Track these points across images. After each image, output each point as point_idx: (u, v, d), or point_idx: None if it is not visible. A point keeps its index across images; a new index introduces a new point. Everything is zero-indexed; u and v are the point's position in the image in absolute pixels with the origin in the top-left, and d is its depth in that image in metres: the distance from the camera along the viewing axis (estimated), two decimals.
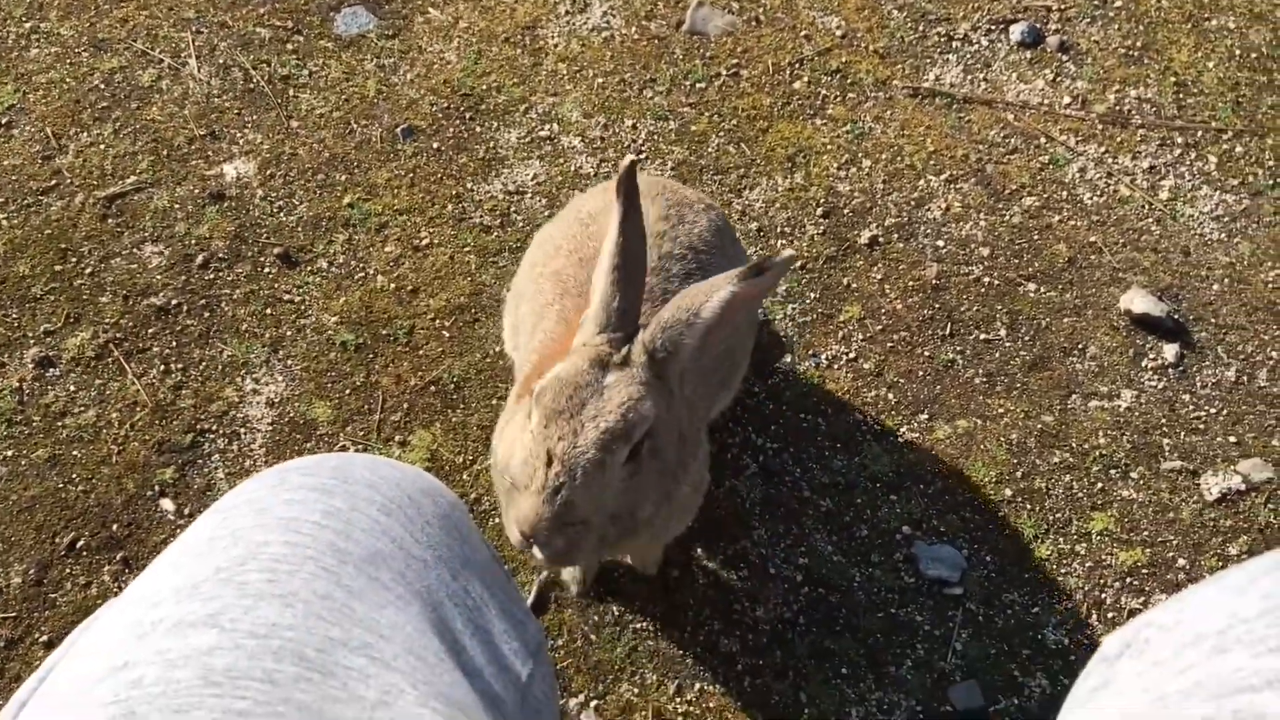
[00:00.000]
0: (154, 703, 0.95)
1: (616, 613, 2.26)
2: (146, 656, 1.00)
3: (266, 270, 2.63)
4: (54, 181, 2.74)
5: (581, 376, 1.53)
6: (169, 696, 0.95)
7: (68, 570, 2.28)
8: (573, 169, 2.80)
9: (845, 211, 2.74)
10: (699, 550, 2.32)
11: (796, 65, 2.98)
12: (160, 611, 1.06)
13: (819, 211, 2.73)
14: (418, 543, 1.29)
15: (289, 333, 2.55)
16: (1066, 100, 2.92)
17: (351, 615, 1.12)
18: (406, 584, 1.22)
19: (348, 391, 2.48)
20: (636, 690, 2.18)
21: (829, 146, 2.83)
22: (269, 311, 2.57)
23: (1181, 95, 2.91)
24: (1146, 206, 2.74)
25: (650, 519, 1.63)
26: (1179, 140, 2.84)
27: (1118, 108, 2.90)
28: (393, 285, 2.62)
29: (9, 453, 2.39)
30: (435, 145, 2.83)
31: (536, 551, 1.52)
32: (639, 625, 2.25)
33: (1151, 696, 0.95)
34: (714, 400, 2.11)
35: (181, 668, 0.99)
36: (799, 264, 2.64)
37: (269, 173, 2.77)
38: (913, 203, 2.75)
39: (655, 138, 2.85)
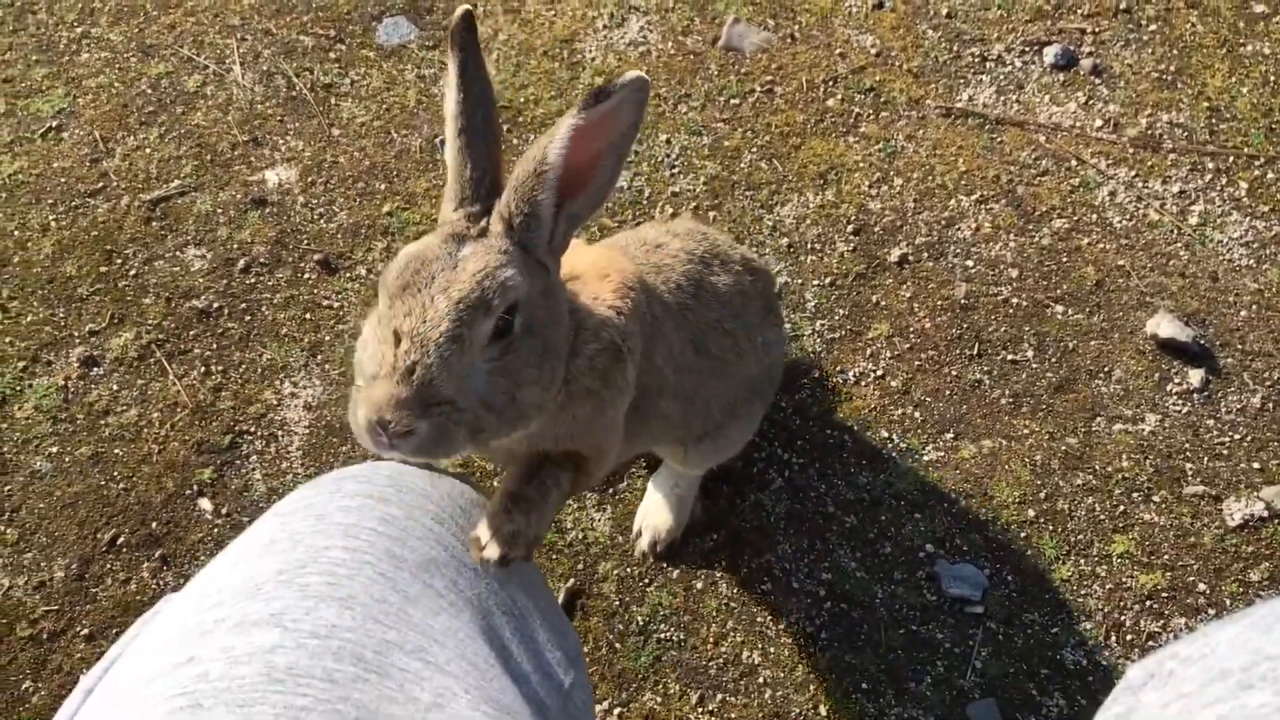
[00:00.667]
0: (219, 697, 1.00)
1: (641, 622, 2.30)
2: (211, 653, 1.06)
3: (306, 276, 2.69)
4: (101, 184, 2.81)
5: (431, 251, 1.36)
6: (233, 691, 1.00)
7: (108, 566, 2.34)
8: None
9: (876, 229, 2.77)
10: (723, 562, 2.36)
11: (830, 83, 3.01)
12: (223, 610, 1.12)
13: (850, 228, 2.76)
14: (468, 552, 1.34)
15: (328, 338, 2.60)
16: (1098, 123, 2.94)
17: (407, 620, 1.17)
18: (458, 591, 1.26)
19: None
20: (659, 699, 2.23)
21: (861, 164, 2.87)
22: (308, 316, 2.63)
23: (1214, 121, 2.92)
24: (1176, 231, 2.76)
25: (539, 404, 1.46)
26: (1210, 166, 2.85)
27: (1149, 132, 2.92)
28: None
29: (54, 449, 2.45)
30: None
31: (393, 447, 1.30)
32: (663, 635, 2.29)
33: None
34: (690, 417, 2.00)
35: (245, 664, 1.04)
36: (829, 280, 2.68)
37: (310, 180, 2.83)
38: (943, 222, 2.78)
39: (689, 152, 2.89)
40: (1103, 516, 2.41)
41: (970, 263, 2.72)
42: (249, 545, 1.26)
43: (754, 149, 2.89)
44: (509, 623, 1.33)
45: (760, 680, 2.25)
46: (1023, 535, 2.39)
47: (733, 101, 2.97)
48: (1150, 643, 2.27)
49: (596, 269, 1.71)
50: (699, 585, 2.34)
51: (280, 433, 2.49)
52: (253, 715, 0.99)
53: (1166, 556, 2.36)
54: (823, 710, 2.22)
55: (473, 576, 1.32)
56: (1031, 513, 2.41)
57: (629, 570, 2.35)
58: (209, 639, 1.08)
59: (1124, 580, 2.35)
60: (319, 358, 2.58)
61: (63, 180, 2.81)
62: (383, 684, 1.08)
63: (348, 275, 2.69)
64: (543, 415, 1.49)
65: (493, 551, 1.39)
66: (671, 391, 1.84)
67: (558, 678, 1.37)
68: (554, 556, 2.37)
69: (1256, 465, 2.45)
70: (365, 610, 1.15)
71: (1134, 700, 1.13)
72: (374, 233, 2.75)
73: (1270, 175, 2.83)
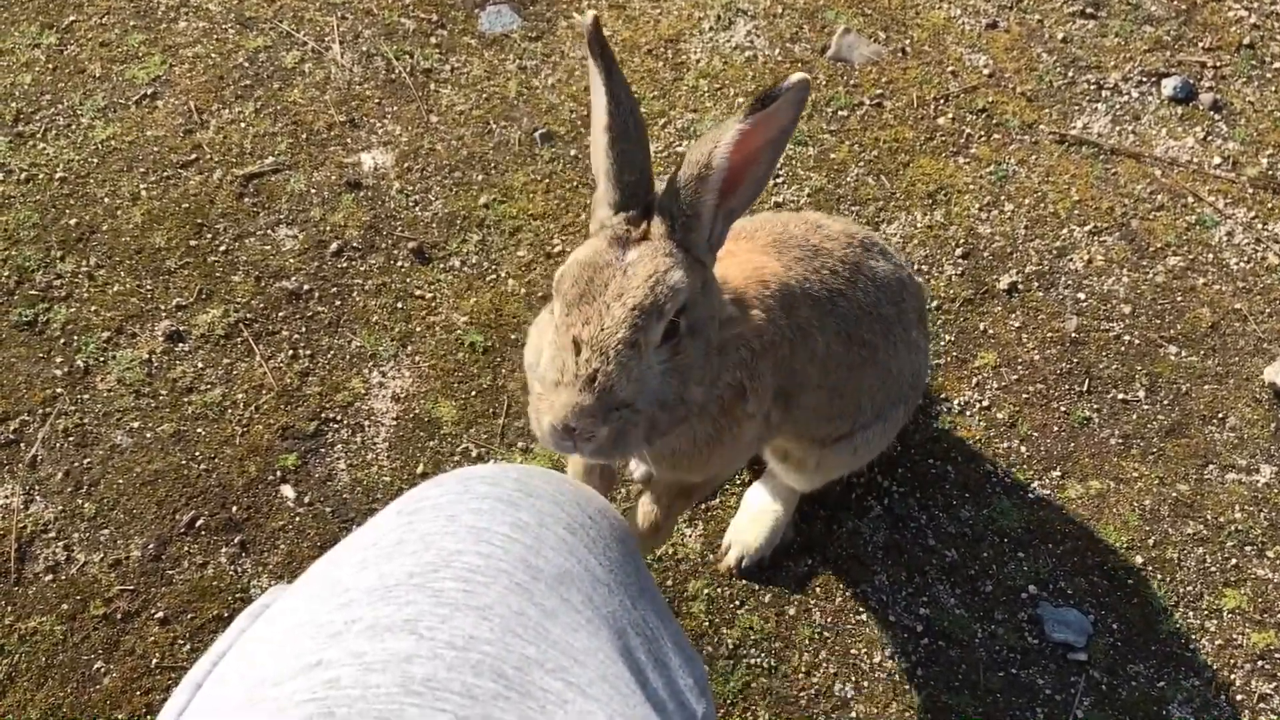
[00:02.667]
0: (353, 705, 0.93)
1: (731, 645, 2.22)
2: (342, 657, 0.99)
3: (399, 264, 2.62)
4: (194, 156, 2.75)
5: (601, 257, 1.41)
6: (368, 701, 0.93)
7: (185, 548, 2.28)
8: None
9: (985, 254, 2.68)
10: (817, 589, 2.28)
11: (941, 101, 2.92)
12: (354, 611, 1.04)
13: (958, 252, 2.68)
14: (600, 565, 1.27)
15: (418, 328, 2.53)
16: (1217, 160, 2.84)
17: (546, 636, 1.09)
18: (594, 608, 1.19)
19: (473, 393, 2.46)
20: None
21: (971, 186, 2.78)
22: (400, 305, 2.56)
23: None
24: None
25: (705, 401, 1.54)
26: None
27: (1270, 172, 2.82)
28: (523, 290, 2.60)
29: (135, 424, 2.39)
30: (572, 153, 2.81)
31: (577, 450, 1.40)
32: (753, 660, 2.21)
33: None
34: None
35: (379, 672, 0.97)
36: (935, 304, 2.59)
37: (406, 165, 2.77)
38: (1054, 251, 2.69)
39: (793, 162, 2.81)
40: (1213, 568, 2.32)
41: (1082, 295, 2.63)
42: (374, 543, 1.19)
43: (861, 163, 2.81)
44: (643, 645, 1.26)
45: (853, 715, 2.16)
46: (1129, 582, 2.30)
47: (840, 113, 2.89)
48: (1262, 704, 2.18)
49: (743, 273, 1.69)
50: (791, 611, 2.26)
51: (367, 423, 2.42)
52: None
53: None
54: None
55: (606, 593, 1.24)
56: (1139, 560, 2.32)
57: (720, 590, 2.28)
58: (339, 641, 1.01)
59: (1234, 637, 2.25)
60: (409, 349, 2.51)
61: (155, 149, 2.76)
62: (524, 704, 1.01)
63: (441, 266, 2.62)
64: (707, 413, 1.58)
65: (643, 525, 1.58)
66: (816, 384, 1.84)
67: (691, 706, 1.29)
68: None
69: None
70: (503, 622, 1.08)
71: None
72: (469, 224, 2.69)
73: None
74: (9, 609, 2.18)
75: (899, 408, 2.09)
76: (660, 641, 1.31)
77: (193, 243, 2.62)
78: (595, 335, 1.37)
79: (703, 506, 2.37)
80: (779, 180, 2.79)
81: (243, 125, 2.81)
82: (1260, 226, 2.74)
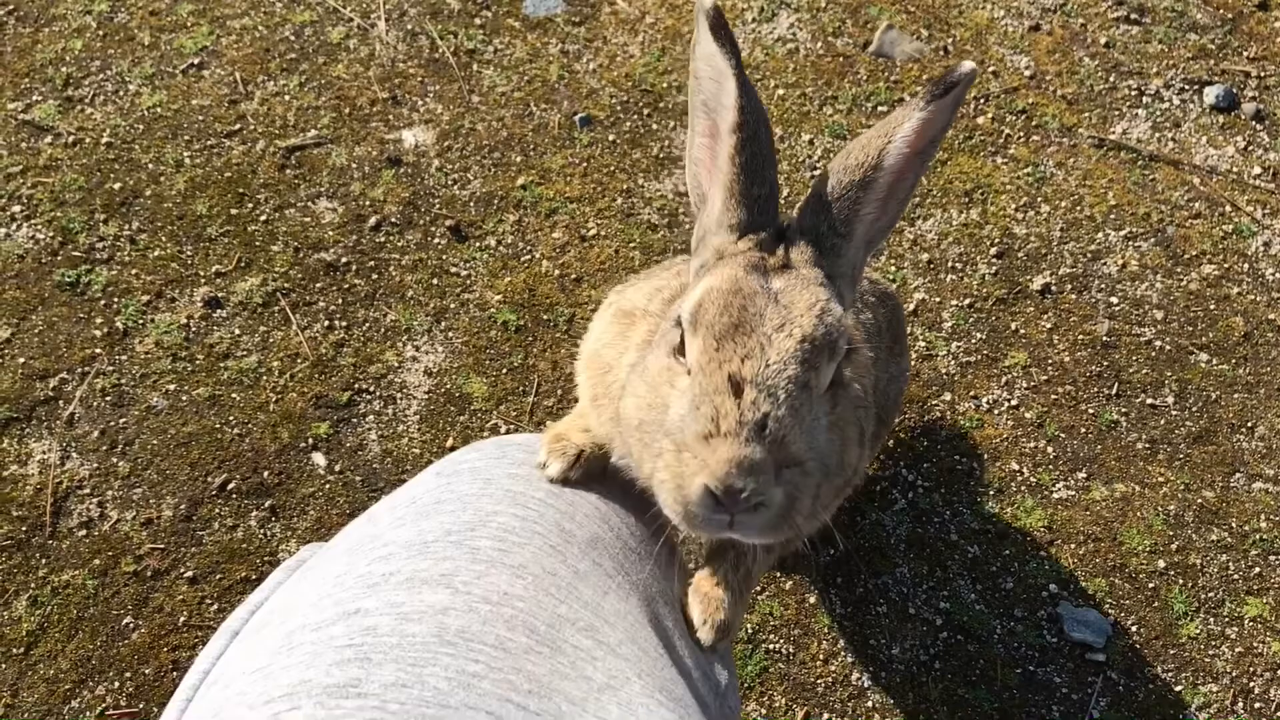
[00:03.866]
0: (389, 653, 0.95)
1: (751, 630, 2.23)
2: (379, 606, 1.01)
3: (436, 241, 2.64)
4: (238, 126, 2.78)
5: (746, 284, 1.12)
6: (404, 649, 0.96)
7: (216, 510, 2.31)
8: None
9: (1019, 254, 2.68)
10: (839, 579, 2.29)
11: (982, 100, 2.93)
12: (391, 565, 1.07)
13: (993, 251, 2.68)
14: (632, 535, 1.29)
15: (453, 305, 2.56)
16: (1257, 170, 2.84)
17: (578, 596, 1.12)
18: (625, 574, 1.21)
19: (504, 371, 2.48)
20: (764, 711, 2.16)
21: (1008, 186, 2.78)
22: (435, 282, 2.59)
23: None
24: None
25: (859, 468, 1.25)
26: None
27: None
28: (557, 271, 2.62)
29: (171, 387, 2.43)
30: (611, 137, 2.83)
31: (734, 526, 1.04)
32: (772, 646, 2.22)
33: None
34: None
35: (416, 622, 0.99)
36: (968, 301, 2.60)
37: (446, 144, 2.79)
38: (1089, 255, 2.69)
39: (831, 154, 2.82)
40: (1236, 576, 2.32)
41: (1114, 300, 2.63)
42: (413, 501, 1.22)
43: None
44: (671, 613, 1.28)
45: (869, 704, 2.18)
46: (1151, 586, 2.30)
47: (880, 109, 2.90)
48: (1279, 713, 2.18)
49: None
50: (812, 599, 2.27)
51: (399, 395, 2.45)
52: (424, 676, 0.95)
53: None
54: None
55: (637, 561, 1.27)
56: (1162, 564, 2.32)
57: None
58: (377, 592, 1.04)
59: (1255, 645, 2.25)
60: (443, 324, 2.53)
61: (200, 119, 2.79)
62: (555, 658, 1.03)
63: (477, 245, 2.65)
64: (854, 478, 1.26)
65: (707, 637, 1.26)
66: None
67: (714, 676, 1.32)
68: None
69: None
70: (537, 581, 1.10)
71: None
72: (506, 205, 2.71)
73: None
74: (43, 562, 2.22)
75: (882, 429, 2.03)
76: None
77: (233, 211, 2.65)
78: (761, 372, 1.06)
79: None
80: (816, 172, 2.79)
81: (287, 98, 2.84)
82: None
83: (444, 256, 2.62)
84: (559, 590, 1.13)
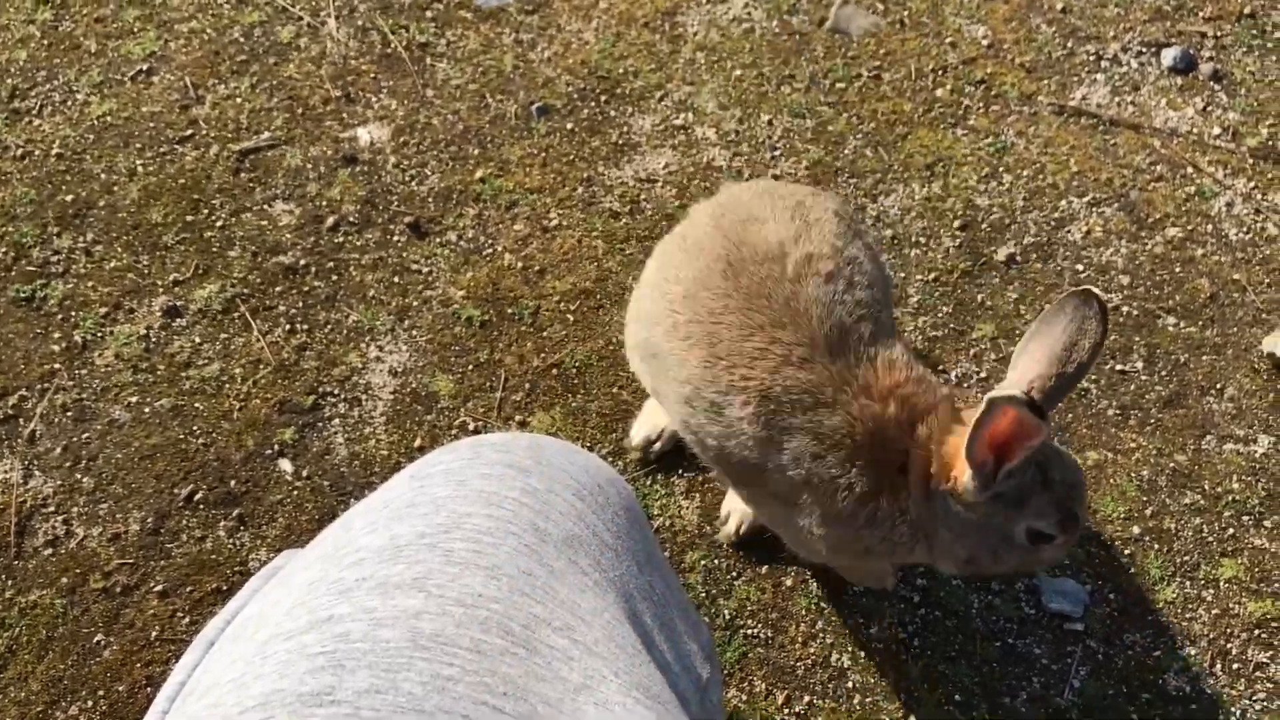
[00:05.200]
0: (363, 659, 0.94)
1: (728, 616, 2.22)
2: (352, 612, 1.00)
3: (395, 238, 2.62)
4: (190, 131, 2.74)
5: None
6: (377, 654, 0.95)
7: (184, 522, 2.28)
8: (705, 161, 2.76)
9: (983, 226, 2.67)
10: None
11: (940, 72, 2.91)
12: (364, 570, 1.06)
13: (956, 224, 2.67)
14: (609, 531, 1.28)
15: (415, 303, 2.53)
16: (1217, 131, 2.83)
17: (554, 595, 1.11)
18: (602, 571, 1.20)
19: (470, 367, 2.46)
20: (744, 697, 2.15)
21: (969, 158, 2.77)
22: (396, 280, 2.56)
23: None
24: None
25: None
26: None
27: (1270, 143, 2.81)
28: (520, 264, 2.59)
29: (133, 399, 2.40)
30: (569, 126, 2.80)
31: None
32: (750, 631, 2.21)
33: None
34: None
35: (389, 627, 0.98)
36: (933, 276, 2.59)
37: (402, 140, 2.76)
38: (1053, 223, 2.68)
39: (791, 135, 2.80)
40: (1211, 539, 2.32)
41: (1080, 267, 2.62)
42: (385, 506, 1.20)
43: (859, 135, 2.80)
44: (650, 609, 1.27)
45: (849, 685, 2.17)
46: (1127, 553, 2.30)
47: (838, 85, 2.88)
48: (1258, 673, 2.18)
49: None
50: (788, 582, 2.26)
51: (364, 397, 2.43)
52: (398, 681, 0.94)
53: (1277, 585, 2.27)
54: (913, 719, 2.14)
55: (614, 558, 1.26)
56: (1136, 530, 2.32)
57: (717, 562, 2.28)
58: (349, 598, 1.03)
59: (1231, 606, 2.25)
60: (406, 323, 2.51)
61: (151, 125, 2.75)
62: (531, 660, 1.02)
63: (438, 240, 2.62)
64: None
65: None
66: None
67: (695, 670, 1.31)
68: None
69: None
70: (512, 582, 1.09)
71: None
72: (465, 198, 2.68)
73: None
74: (9, 583, 2.19)
75: None
76: (667, 607, 1.32)
77: (189, 218, 2.62)
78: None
79: (699, 479, 2.37)
80: (777, 153, 2.78)
81: (239, 100, 2.80)
82: (1260, 197, 2.73)
83: (404, 254, 2.60)
84: (534, 590, 1.12)
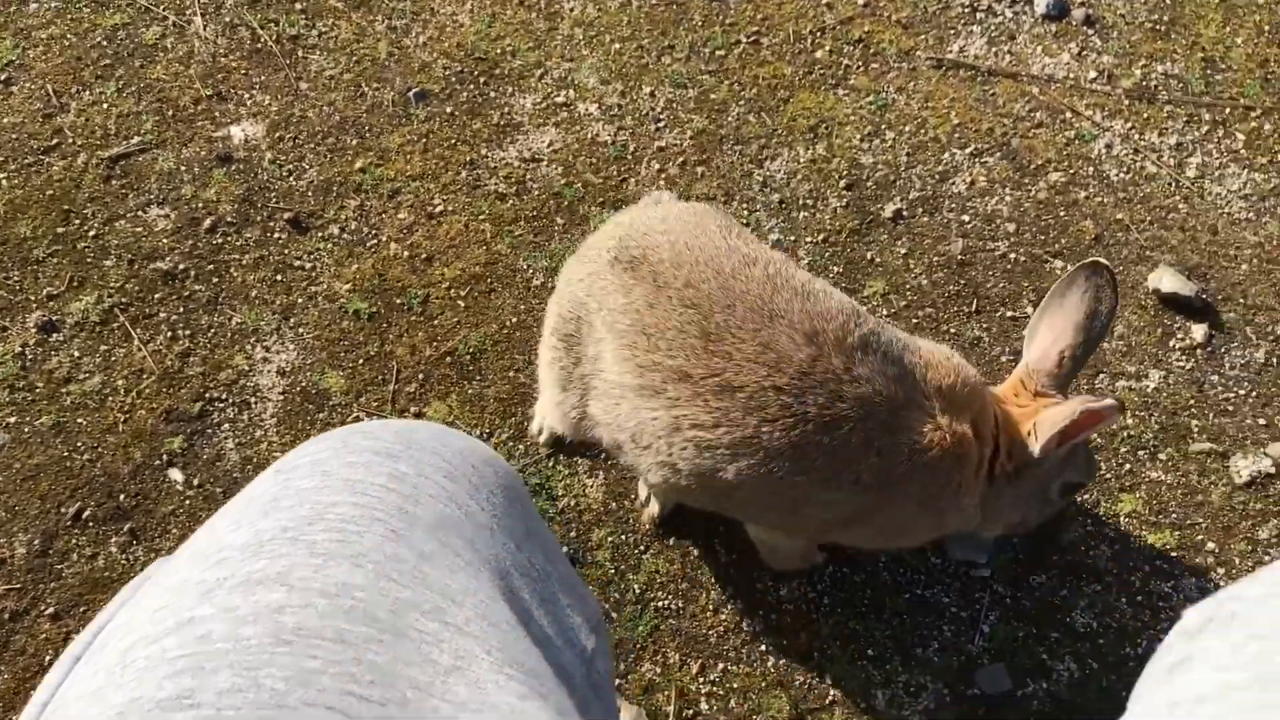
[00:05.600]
0: (224, 659, 0.91)
1: (638, 590, 2.21)
2: (213, 612, 0.97)
3: (276, 235, 2.56)
4: (55, 141, 2.66)
5: None
6: (238, 653, 0.92)
7: (73, 541, 2.21)
8: (589, 136, 2.73)
9: (868, 184, 2.68)
10: (721, 529, 2.27)
11: (818, 34, 2.91)
12: (226, 569, 1.03)
13: (842, 184, 2.67)
14: (483, 510, 1.26)
15: (300, 300, 2.48)
16: (1092, 75, 2.86)
17: (423, 579, 1.09)
18: (475, 551, 1.19)
19: (361, 361, 2.42)
20: (659, 669, 2.14)
21: (852, 118, 2.77)
22: (279, 278, 2.50)
23: (1209, 71, 2.86)
24: (1174, 184, 2.69)
25: None
26: (1206, 117, 2.79)
27: (1144, 83, 2.85)
28: (406, 253, 2.55)
29: (12, 420, 2.32)
30: (449, 110, 2.76)
31: None
32: (661, 603, 2.20)
33: (1255, 672, 0.92)
34: None
35: (251, 624, 0.95)
36: (822, 237, 2.59)
37: (278, 135, 2.70)
38: (937, 176, 2.70)
39: (674, 105, 2.79)
40: (1109, 475, 2.35)
41: (966, 218, 2.64)
42: (251, 503, 1.17)
43: (741, 102, 2.79)
44: (528, 585, 1.25)
45: (763, 648, 2.17)
46: None
47: (718, 53, 2.87)
48: (1162, 604, 2.22)
49: None
50: (697, 552, 2.25)
51: (253, 399, 2.37)
52: (260, 679, 0.91)
53: (1175, 515, 2.31)
54: (828, 679, 2.14)
55: (488, 536, 1.24)
56: None
57: (624, 537, 2.26)
58: (211, 598, 1.00)
59: (1132, 540, 2.29)
60: (292, 321, 2.45)
61: (13, 137, 2.66)
62: (399, 645, 1.00)
63: (320, 235, 2.56)
64: None
65: None
66: None
67: (580, 643, 1.29)
68: (544, 525, 2.27)
69: (1262, 421, 2.40)
70: (378, 568, 1.07)
71: (1191, 647, 1.08)
72: (346, 190, 2.63)
73: (1267, 127, 2.77)
74: None
75: None
76: (548, 581, 1.30)
77: (60, 230, 2.54)
78: None
79: (602, 456, 2.35)
80: (661, 124, 2.76)
81: (105, 106, 2.72)
82: (1137, 137, 2.77)
83: (286, 251, 2.54)
84: (402, 575, 1.09)
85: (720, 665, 2.15)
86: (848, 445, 1.67)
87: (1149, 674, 1.15)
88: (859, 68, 2.86)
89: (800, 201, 2.65)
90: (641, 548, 2.25)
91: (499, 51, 2.85)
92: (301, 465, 1.23)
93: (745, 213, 2.62)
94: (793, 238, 2.59)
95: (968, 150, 2.73)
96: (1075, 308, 1.81)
